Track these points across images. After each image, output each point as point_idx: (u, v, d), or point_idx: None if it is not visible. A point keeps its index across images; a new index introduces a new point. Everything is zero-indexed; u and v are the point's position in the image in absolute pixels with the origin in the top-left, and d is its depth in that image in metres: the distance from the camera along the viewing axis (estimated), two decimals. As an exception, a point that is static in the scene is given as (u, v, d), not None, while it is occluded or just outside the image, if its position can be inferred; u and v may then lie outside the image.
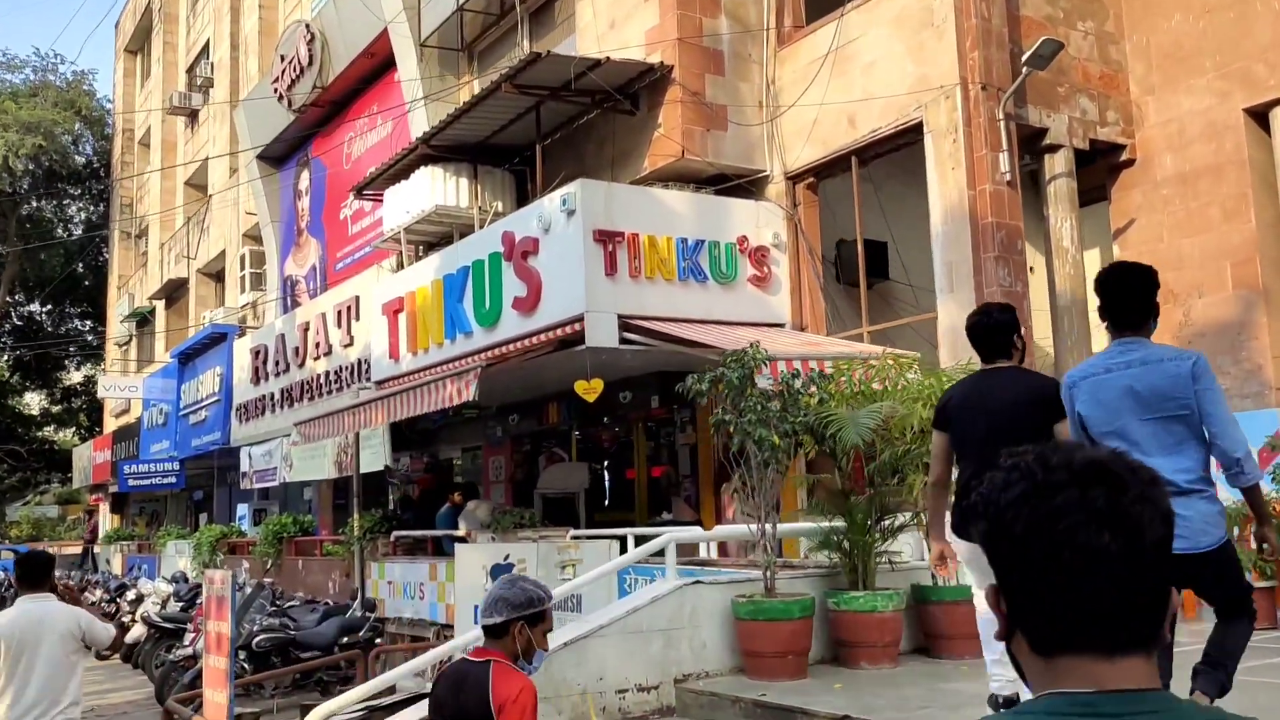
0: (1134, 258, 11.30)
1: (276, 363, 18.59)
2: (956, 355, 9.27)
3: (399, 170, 13.91)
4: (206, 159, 27.63)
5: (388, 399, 11.32)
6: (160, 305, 31.60)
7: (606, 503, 15.63)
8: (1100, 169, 11.31)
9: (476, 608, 10.05)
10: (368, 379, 14.51)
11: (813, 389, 6.44)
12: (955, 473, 4.80)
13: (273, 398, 18.63)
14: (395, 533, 13.52)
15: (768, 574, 6.30)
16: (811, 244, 11.71)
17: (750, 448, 6.14)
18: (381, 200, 14.67)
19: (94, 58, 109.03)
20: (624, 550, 10.37)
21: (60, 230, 42.01)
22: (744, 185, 11.85)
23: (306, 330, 17.48)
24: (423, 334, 13.06)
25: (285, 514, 17.87)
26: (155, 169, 32.15)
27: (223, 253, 26.09)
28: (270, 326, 19.52)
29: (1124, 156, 11.14)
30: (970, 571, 5.13)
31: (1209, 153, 10.52)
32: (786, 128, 11.75)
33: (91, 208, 43.31)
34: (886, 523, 6.71)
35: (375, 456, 15.13)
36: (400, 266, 14.53)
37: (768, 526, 6.48)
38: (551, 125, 12.83)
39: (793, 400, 6.26)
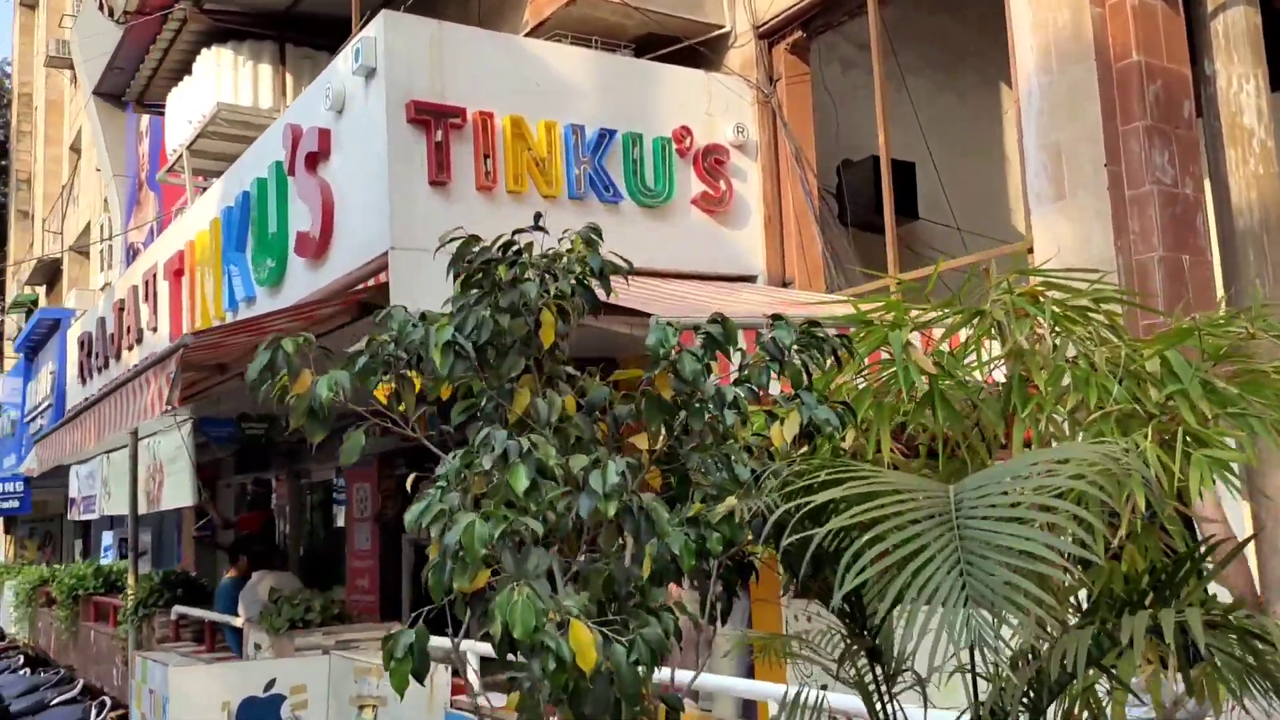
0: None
1: (98, 355, 14.02)
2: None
3: (180, 61, 9.27)
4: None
5: (67, 425, 6.79)
6: (42, 291, 26.98)
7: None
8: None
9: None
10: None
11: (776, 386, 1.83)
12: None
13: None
14: (176, 608, 8.90)
15: None
16: (800, 145, 7.09)
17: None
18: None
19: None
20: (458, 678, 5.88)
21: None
22: (695, 49, 7.24)
23: (121, 310, 12.88)
24: (203, 306, 8.48)
25: (90, 560, 13.24)
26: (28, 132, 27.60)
27: (90, 224, 21.53)
28: (94, 309, 14.90)
29: (1331, -22, 6.51)
30: None
31: None
32: (756, -50, 7.13)
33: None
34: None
35: (181, 486, 10.45)
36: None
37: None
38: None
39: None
